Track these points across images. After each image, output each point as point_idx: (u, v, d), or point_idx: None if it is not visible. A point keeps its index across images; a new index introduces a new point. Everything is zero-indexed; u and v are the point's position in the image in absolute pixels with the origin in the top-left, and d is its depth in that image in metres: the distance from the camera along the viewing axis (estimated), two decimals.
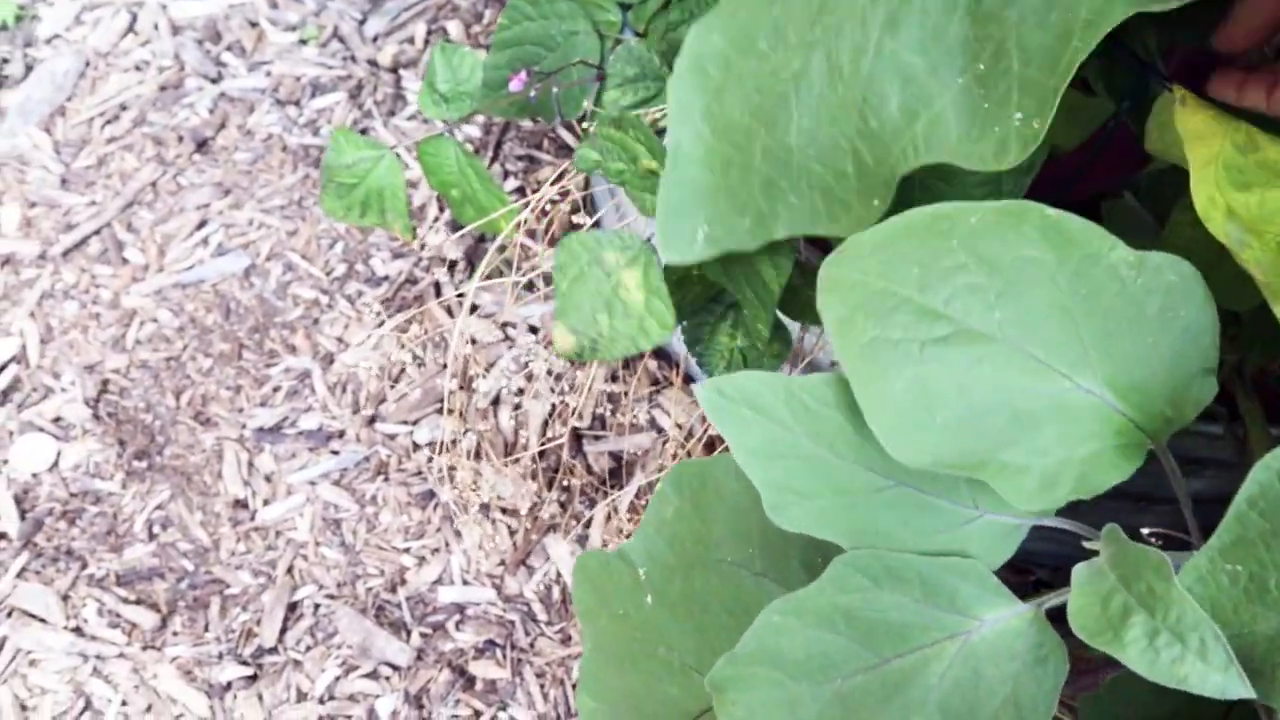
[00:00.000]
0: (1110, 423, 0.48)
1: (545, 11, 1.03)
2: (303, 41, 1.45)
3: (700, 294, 0.84)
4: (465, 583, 1.10)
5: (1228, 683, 0.39)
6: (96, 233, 1.29)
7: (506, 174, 1.35)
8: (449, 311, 1.24)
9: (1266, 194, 0.58)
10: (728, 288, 0.71)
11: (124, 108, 1.39)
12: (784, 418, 0.52)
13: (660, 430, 1.16)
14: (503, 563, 1.11)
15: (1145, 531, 0.52)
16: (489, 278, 1.23)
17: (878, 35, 0.52)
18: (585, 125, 0.95)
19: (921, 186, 0.68)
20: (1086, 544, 0.51)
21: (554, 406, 1.17)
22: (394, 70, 1.43)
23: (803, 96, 0.57)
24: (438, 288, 1.26)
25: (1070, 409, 0.47)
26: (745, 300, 0.70)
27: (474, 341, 1.21)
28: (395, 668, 1.06)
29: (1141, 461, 0.48)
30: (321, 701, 1.05)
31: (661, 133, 0.77)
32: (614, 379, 1.19)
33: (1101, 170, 0.79)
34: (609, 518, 1.12)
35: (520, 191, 1.33)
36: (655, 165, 0.76)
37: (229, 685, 1.05)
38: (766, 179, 0.60)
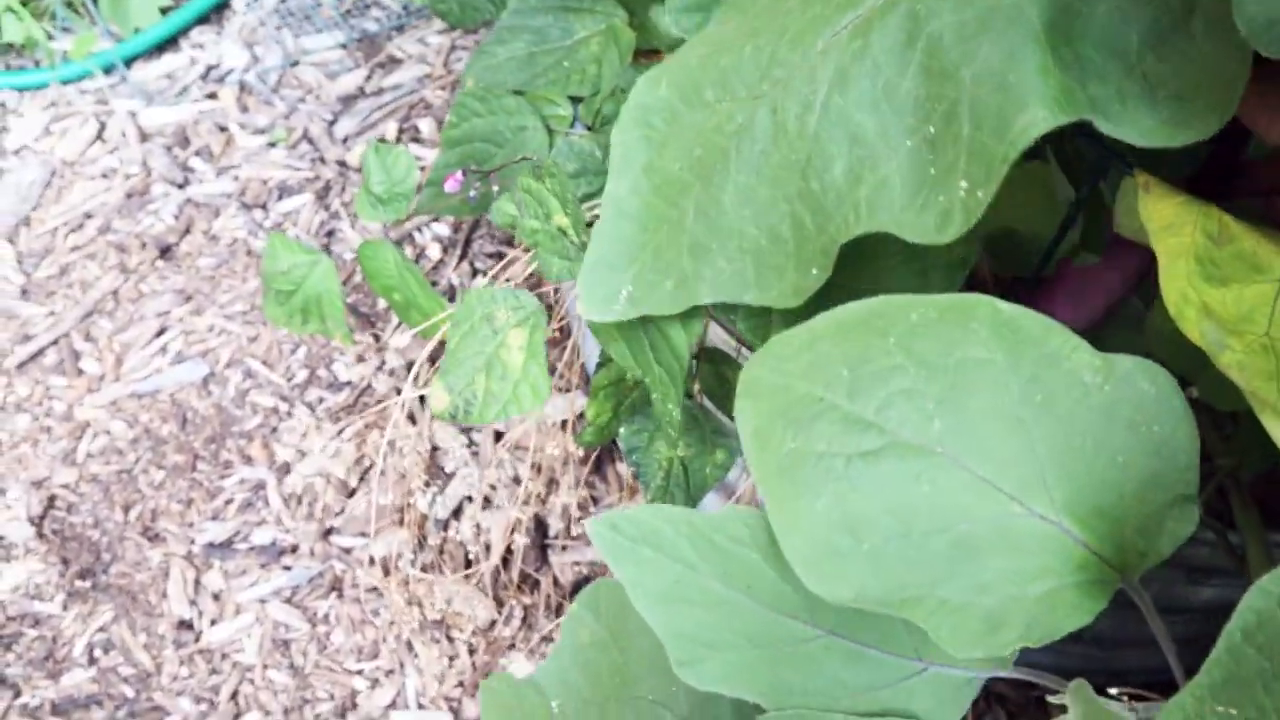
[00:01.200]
0: (1069, 556, 0.41)
1: (493, 107, 0.99)
2: (272, 144, 1.43)
3: (640, 398, 0.79)
4: (420, 706, 1.03)
5: None
6: (54, 343, 1.26)
7: (476, 272, 1.31)
8: (411, 418, 1.19)
9: (1245, 289, 0.52)
10: (632, 367, 0.66)
11: (89, 216, 1.37)
12: (690, 558, 0.46)
13: None
14: (461, 684, 1.04)
15: (1114, 692, 0.45)
16: None
17: (826, 91, 0.47)
18: None
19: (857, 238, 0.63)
20: (1051, 699, 0.44)
21: (518, 515, 1.11)
22: (363, 170, 1.40)
23: (744, 152, 0.52)
24: (400, 393, 1.21)
25: (1020, 538, 0.41)
26: (653, 379, 0.65)
27: (436, 448, 1.16)
28: None
29: (1106, 602, 0.41)
30: None
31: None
32: (584, 484, 1.13)
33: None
34: None
35: None
36: (567, 223, 0.71)
37: None
38: (695, 241, 0.55)
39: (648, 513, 0.47)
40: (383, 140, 0.94)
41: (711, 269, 0.55)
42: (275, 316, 0.96)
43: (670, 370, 0.65)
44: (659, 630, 0.46)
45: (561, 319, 1.01)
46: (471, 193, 0.92)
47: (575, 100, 1.00)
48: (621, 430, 0.80)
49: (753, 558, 0.46)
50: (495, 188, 0.92)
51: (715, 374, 0.79)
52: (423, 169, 1.40)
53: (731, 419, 0.80)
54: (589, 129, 0.98)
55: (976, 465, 0.42)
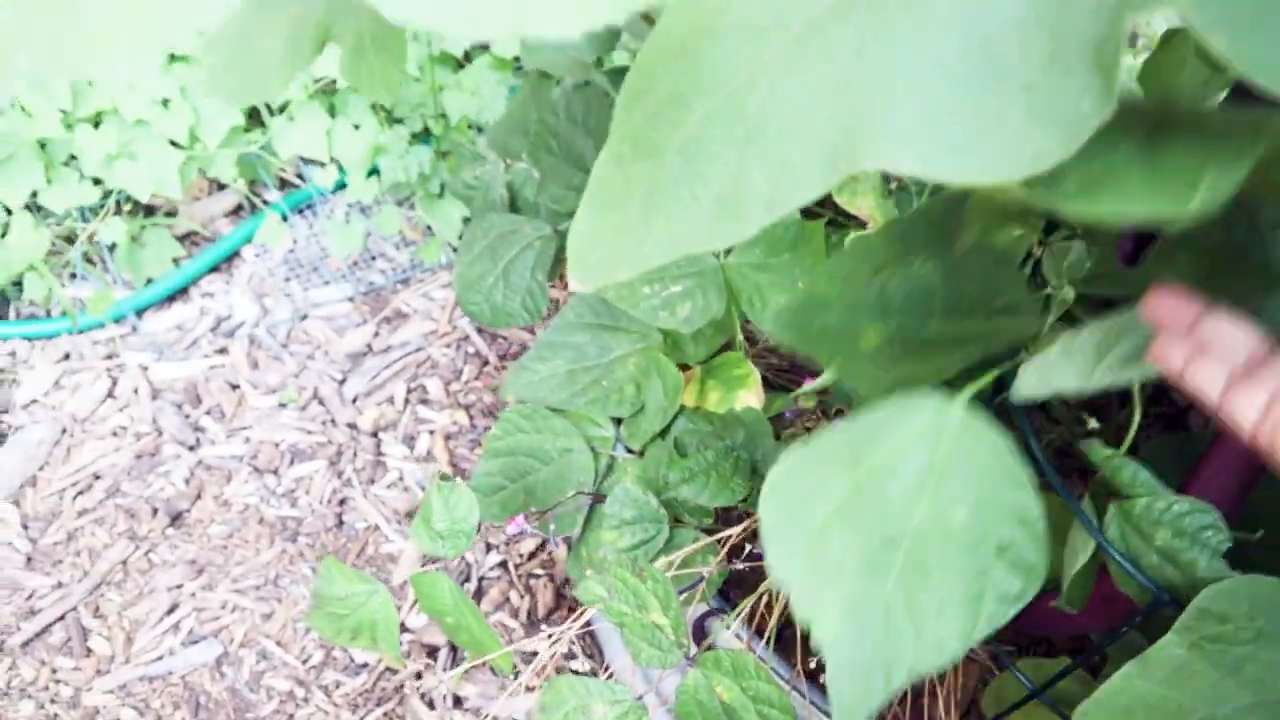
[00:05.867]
0: None
1: (540, 426, 1.04)
2: (282, 405, 1.46)
3: None
4: None
5: None
6: (60, 619, 1.25)
7: (490, 547, 1.33)
8: (430, 704, 1.20)
9: None
10: None
11: (97, 477, 1.37)
12: None
13: None
14: None
15: None
16: (475, 668, 1.20)
17: None
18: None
19: None
20: None
21: None
22: (374, 435, 1.43)
23: None
24: (419, 677, 1.22)
25: None
26: None
27: None
28: None
29: None
30: None
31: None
32: None
33: None
34: None
35: (503, 565, 1.32)
36: (666, 622, 0.75)
37: None
38: None
39: None
40: (444, 477, 0.95)
41: None
42: (324, 630, 0.97)
43: None
44: None
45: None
46: (529, 527, 0.95)
47: (617, 422, 1.05)
48: None
49: None
50: (552, 526, 0.96)
51: None
52: (431, 433, 1.44)
53: None
54: (631, 452, 1.03)
55: None
